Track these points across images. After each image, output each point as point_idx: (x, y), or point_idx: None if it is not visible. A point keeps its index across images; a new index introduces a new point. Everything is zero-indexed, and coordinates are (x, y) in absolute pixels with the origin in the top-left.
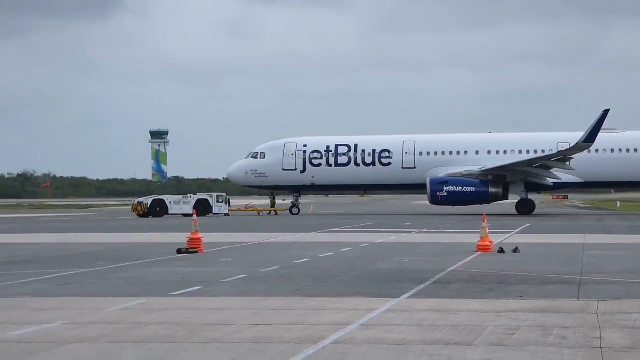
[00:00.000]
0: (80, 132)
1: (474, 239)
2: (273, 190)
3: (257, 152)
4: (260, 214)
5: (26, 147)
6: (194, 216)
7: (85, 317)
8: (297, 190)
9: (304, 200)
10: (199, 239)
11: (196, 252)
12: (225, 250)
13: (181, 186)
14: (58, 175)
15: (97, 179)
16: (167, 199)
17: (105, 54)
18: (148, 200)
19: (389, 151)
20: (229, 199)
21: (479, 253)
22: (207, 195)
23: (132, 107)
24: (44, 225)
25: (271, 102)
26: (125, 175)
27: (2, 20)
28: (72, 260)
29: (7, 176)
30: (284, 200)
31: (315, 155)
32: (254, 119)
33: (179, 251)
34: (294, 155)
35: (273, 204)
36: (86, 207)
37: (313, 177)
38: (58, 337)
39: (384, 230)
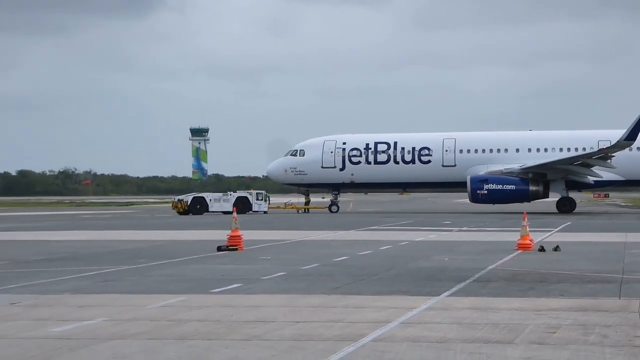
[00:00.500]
0: (121, 130)
1: (514, 237)
2: (310, 188)
3: (297, 150)
4: (299, 211)
5: (67, 144)
6: (234, 214)
7: (126, 313)
8: (336, 188)
9: (343, 198)
10: (239, 236)
11: (236, 249)
12: (265, 248)
13: (221, 183)
14: (99, 172)
15: (138, 177)
16: (207, 196)
17: (145, 52)
18: (188, 198)
19: (428, 149)
20: (268, 197)
21: (519, 251)
22: (247, 193)
23: (173, 105)
24: (84, 222)
25: (309, 99)
26: (165, 172)
27: (41, 18)
28: (112, 257)
29: (48, 173)
30: (323, 198)
31: (355, 152)
32: (293, 116)
33: (219, 248)
34: (333, 153)
35: (307, 202)
36: (126, 204)
37: (352, 174)
38: (99, 333)
39: (423, 228)
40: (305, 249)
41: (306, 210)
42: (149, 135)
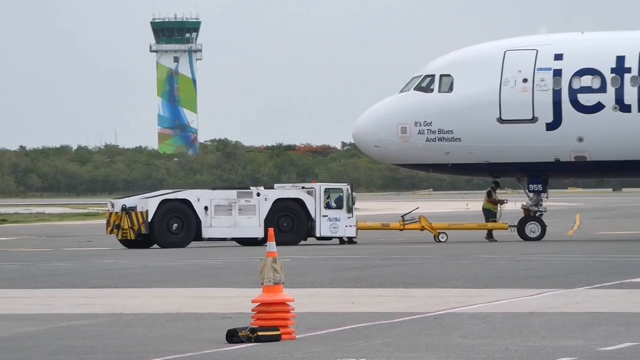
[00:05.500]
0: None
1: None
2: (472, 173)
3: (431, 76)
4: (440, 237)
5: None
6: (271, 244)
7: None
8: (536, 172)
9: (555, 197)
10: (282, 303)
11: (277, 337)
12: (353, 334)
13: (234, 164)
14: None
15: (22, 148)
16: (199, 198)
17: None
18: (148, 205)
19: None
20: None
21: None
22: (300, 191)
23: None
24: None
25: None
26: (90, 139)
27: None
28: None
29: None
30: (505, 203)
31: (587, 81)
32: None
33: (233, 336)
34: (530, 82)
35: (492, 212)
36: None
37: (580, 139)
38: None
39: None
40: (457, 339)
41: (490, 235)
42: (47, 42)
